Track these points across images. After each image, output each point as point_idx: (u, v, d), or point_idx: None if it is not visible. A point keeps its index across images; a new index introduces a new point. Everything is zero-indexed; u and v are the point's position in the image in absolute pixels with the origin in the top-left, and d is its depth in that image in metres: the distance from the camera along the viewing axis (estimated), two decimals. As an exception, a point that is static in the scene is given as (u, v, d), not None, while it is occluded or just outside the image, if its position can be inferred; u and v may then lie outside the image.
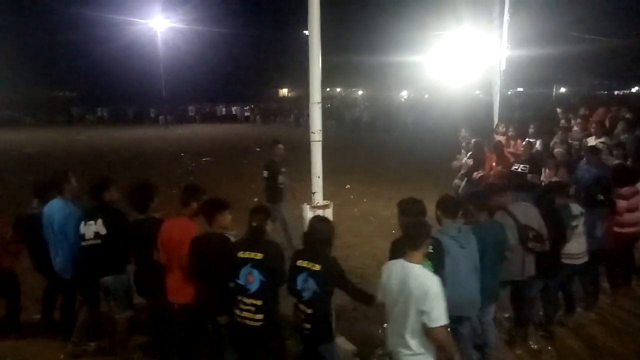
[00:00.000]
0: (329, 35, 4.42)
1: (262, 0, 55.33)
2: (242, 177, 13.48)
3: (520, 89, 39.75)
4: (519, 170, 7.34)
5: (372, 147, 20.38)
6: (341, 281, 3.59)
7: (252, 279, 3.54)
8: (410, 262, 3.06)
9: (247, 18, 51.06)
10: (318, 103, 4.28)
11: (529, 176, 7.15)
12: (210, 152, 19.26)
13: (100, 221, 4.23)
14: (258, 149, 20.35)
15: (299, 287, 3.49)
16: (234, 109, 43.53)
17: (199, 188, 4.24)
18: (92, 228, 4.23)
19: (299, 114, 35.77)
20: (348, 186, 11.75)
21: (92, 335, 4.77)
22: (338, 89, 54.81)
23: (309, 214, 4.24)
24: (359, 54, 38.26)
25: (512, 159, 7.96)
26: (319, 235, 3.57)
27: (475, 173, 7.87)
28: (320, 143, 4.34)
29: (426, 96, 35.44)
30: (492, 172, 7.86)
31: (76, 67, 48.68)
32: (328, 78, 4.40)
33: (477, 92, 29.09)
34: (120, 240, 4.28)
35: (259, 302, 3.54)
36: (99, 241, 4.23)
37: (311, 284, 3.43)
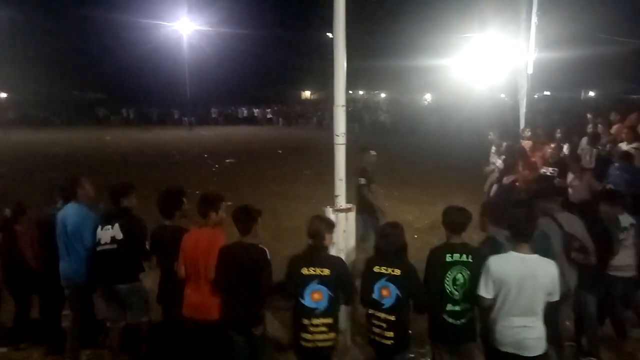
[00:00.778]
0: (352, 38, 4.40)
1: (286, 2, 55.65)
2: (264, 178, 13.57)
3: (547, 93, 38.95)
4: (548, 173, 7.24)
5: (394, 150, 20.23)
6: (419, 285, 3.53)
7: (319, 296, 3.39)
8: (524, 253, 3.22)
9: (271, 20, 51.49)
10: (342, 106, 4.27)
11: (556, 180, 6.99)
12: (233, 153, 19.43)
13: (117, 225, 4.14)
14: (280, 151, 20.48)
15: (376, 295, 3.44)
16: (255, 111, 43.79)
17: (217, 197, 4.02)
18: (108, 233, 4.14)
19: (321, 116, 35.83)
20: (370, 189, 11.68)
21: (86, 343, 4.61)
22: (361, 92, 54.68)
23: (331, 217, 4.23)
24: (382, 56, 38.13)
25: (540, 164, 7.84)
26: (394, 241, 3.53)
27: (505, 178, 7.73)
28: (343, 146, 4.32)
29: (455, 100, 35.02)
30: (518, 177, 7.73)
31: (104, 69, 49.93)
32: (351, 80, 4.37)
33: (503, 95, 28.64)
34: (136, 247, 4.17)
35: (329, 320, 3.44)
36: (114, 246, 4.13)
37: (393, 290, 3.39)
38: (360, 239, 6.14)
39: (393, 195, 11.16)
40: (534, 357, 3.25)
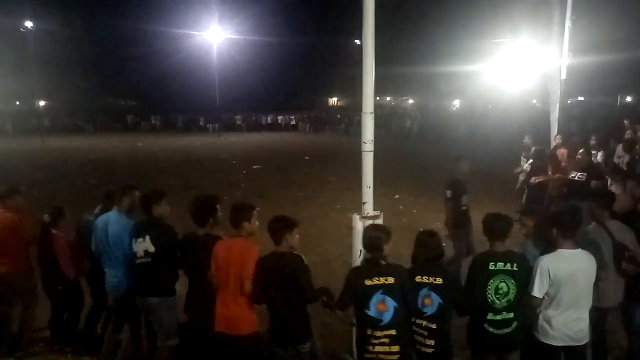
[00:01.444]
0: (380, 43, 4.38)
1: (315, 9, 56.10)
2: (290, 184, 13.65)
3: (581, 98, 37.87)
4: (576, 178, 7.14)
5: (421, 157, 20.05)
6: (462, 293, 3.52)
7: (383, 307, 3.33)
8: (568, 248, 3.39)
9: (299, 28, 52.00)
10: (370, 113, 4.25)
11: (593, 183, 6.82)
12: (260, 159, 19.64)
13: (148, 238, 4.03)
14: (307, 158, 20.58)
15: (419, 305, 3.43)
16: (279, 117, 44.03)
17: (249, 206, 3.86)
18: (141, 245, 4.04)
19: (348, 122, 35.85)
20: (397, 196, 11.61)
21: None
22: (388, 98, 54.48)
23: (358, 224, 4.21)
24: (410, 62, 37.88)
25: (570, 169, 7.75)
26: (433, 250, 3.52)
27: (533, 178, 7.83)
28: (371, 153, 4.30)
29: (490, 106, 34.46)
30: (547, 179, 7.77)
31: (136, 78, 51.55)
32: (378, 86, 4.35)
33: (534, 101, 28.02)
34: (169, 259, 4.08)
35: (393, 332, 3.35)
36: (148, 259, 4.03)
37: (435, 298, 3.38)
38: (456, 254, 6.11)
39: (421, 203, 11.05)
40: (583, 345, 3.51)
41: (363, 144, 4.29)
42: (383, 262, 3.43)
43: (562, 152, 8.59)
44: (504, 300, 3.43)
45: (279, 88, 53.24)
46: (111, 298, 4.50)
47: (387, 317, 3.31)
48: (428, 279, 3.41)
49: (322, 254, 7.11)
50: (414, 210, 10.34)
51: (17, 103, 50.41)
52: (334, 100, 62.36)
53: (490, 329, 3.46)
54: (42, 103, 43.65)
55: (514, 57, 15.13)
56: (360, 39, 4.27)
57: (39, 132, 29.67)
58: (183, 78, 46.68)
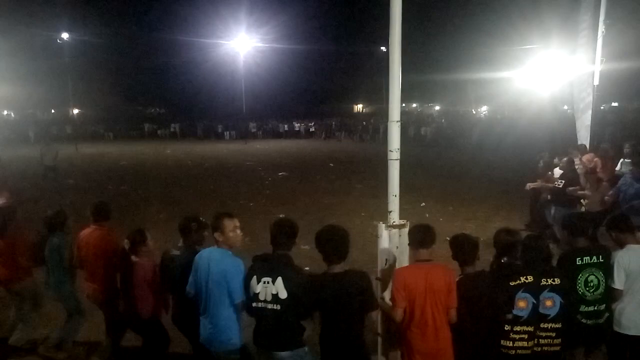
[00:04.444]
0: (407, 50, 4.36)
1: (341, 17, 56.41)
2: (315, 192, 13.67)
3: (615, 104, 36.78)
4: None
5: (442, 164, 19.81)
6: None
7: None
8: (636, 243, 3.72)
9: (325, 34, 52.43)
10: (397, 121, 4.22)
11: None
12: (286, 167, 19.76)
13: (280, 280, 3.27)
14: (332, 165, 20.59)
15: (540, 309, 3.50)
16: (296, 125, 44.19)
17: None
18: (269, 288, 3.29)
19: (373, 129, 35.77)
20: (423, 204, 11.47)
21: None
22: (414, 104, 54.16)
23: (384, 233, 4.18)
24: (437, 69, 37.65)
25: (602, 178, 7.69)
26: (543, 252, 3.63)
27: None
28: (397, 162, 4.26)
29: (512, 112, 33.92)
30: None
31: (163, 86, 52.93)
32: (405, 93, 4.34)
33: (566, 107, 27.37)
34: (301, 307, 3.34)
35: (530, 329, 3.50)
36: (277, 307, 3.28)
37: (557, 299, 3.51)
38: None
39: (448, 211, 10.89)
40: None
41: (389, 152, 4.25)
42: (518, 263, 3.56)
43: (587, 157, 8.52)
44: (596, 293, 3.68)
45: (305, 95, 53.65)
46: (213, 352, 3.68)
47: (525, 312, 3.44)
48: (547, 281, 3.52)
49: (348, 262, 7.09)
50: (441, 219, 10.20)
51: (53, 111, 52.32)
52: (359, 107, 62.37)
53: (584, 321, 3.69)
54: (75, 111, 45.27)
55: (543, 63, 14.83)
56: (387, 46, 4.26)
57: (60, 140, 30.48)
58: (210, 86, 47.61)
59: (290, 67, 47.27)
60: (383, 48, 36.88)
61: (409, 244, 3.48)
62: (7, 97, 42.38)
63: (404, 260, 4.38)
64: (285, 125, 43.57)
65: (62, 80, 36.77)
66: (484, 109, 45.27)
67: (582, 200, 7.60)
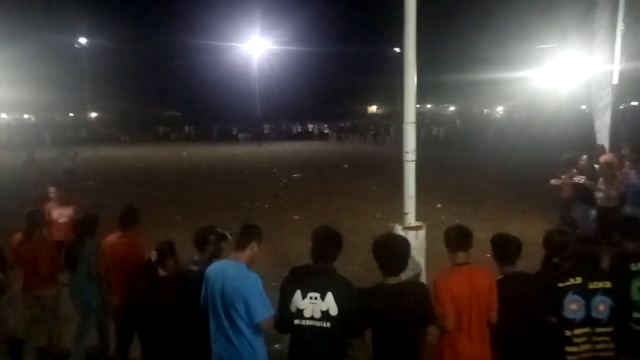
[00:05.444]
0: (421, 50, 4.34)
1: (354, 18, 56.37)
2: (330, 193, 13.67)
3: (635, 103, 36.04)
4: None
5: (456, 164, 19.64)
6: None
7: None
8: None
9: (338, 36, 52.40)
10: (412, 122, 4.23)
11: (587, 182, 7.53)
12: (300, 168, 19.80)
13: (330, 295, 2.94)
14: (346, 166, 20.57)
15: (593, 313, 3.41)
16: (310, 126, 44.19)
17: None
18: (317, 305, 2.95)
19: (384, 130, 35.69)
20: (439, 205, 11.39)
21: None
22: (429, 105, 53.86)
23: (400, 234, 4.18)
24: (452, 69, 37.39)
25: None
26: (591, 253, 3.52)
27: (588, 182, 8.05)
28: (413, 163, 4.27)
29: (529, 112, 33.54)
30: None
31: (178, 89, 53.61)
32: (419, 94, 4.32)
33: (584, 106, 26.95)
34: (352, 324, 3.03)
35: (587, 331, 3.40)
36: (327, 324, 2.94)
37: (608, 302, 3.41)
38: None
39: (465, 213, 10.80)
40: None
41: (405, 153, 4.26)
42: (567, 264, 3.47)
43: (605, 157, 8.47)
44: None
45: (319, 97, 53.72)
46: None
47: (579, 315, 3.35)
48: (597, 284, 3.41)
49: (363, 264, 7.05)
50: (457, 220, 10.11)
51: (71, 115, 53.26)
52: (373, 108, 62.23)
53: (636, 327, 3.50)
54: (93, 114, 46.14)
55: (560, 62, 14.63)
56: (400, 47, 4.27)
57: (76, 143, 30.94)
58: (224, 89, 48.01)
59: (303, 68, 47.44)
60: (397, 49, 36.96)
61: (446, 247, 3.32)
62: (27, 101, 43.23)
63: (421, 262, 4.37)
64: (299, 127, 43.63)
65: (80, 84, 37.53)
66: (499, 109, 44.84)
67: (595, 194, 7.58)
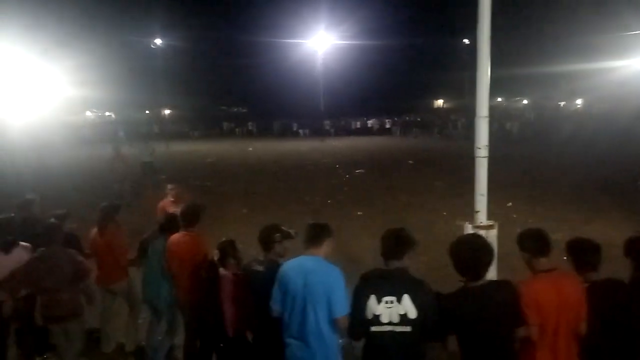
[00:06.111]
0: (494, 42, 4.14)
1: (421, 10, 55.12)
2: (394, 189, 13.49)
3: None
4: None
5: (528, 161, 18.61)
6: None
7: None
8: None
9: (405, 29, 51.60)
10: (485, 117, 4.06)
11: None
12: (363, 164, 19.71)
13: (407, 298, 2.80)
14: (410, 162, 20.21)
15: None
16: (369, 122, 43.59)
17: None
18: (394, 308, 2.80)
19: (452, 125, 34.70)
20: (510, 204, 10.87)
21: None
22: (499, 99, 51.54)
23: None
24: (526, 61, 35.48)
25: None
26: None
27: None
28: (486, 159, 4.10)
29: (611, 106, 31.26)
30: None
31: (245, 86, 55.27)
32: (490, 88, 4.13)
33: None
34: (432, 324, 2.88)
35: None
36: (407, 328, 2.81)
37: None
38: None
39: (537, 212, 10.23)
40: None
41: (477, 149, 4.11)
42: None
43: None
44: None
45: (383, 91, 53.15)
46: None
47: None
48: None
49: (428, 262, 6.89)
50: (530, 220, 9.60)
51: (147, 112, 56.54)
52: (439, 103, 60.61)
53: None
54: (167, 111, 48.72)
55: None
56: (469, 38, 4.12)
57: (147, 139, 32.61)
58: (289, 84, 48.86)
59: (367, 63, 47.12)
60: (466, 40, 35.61)
61: (522, 251, 3.02)
62: (109, 100, 46.50)
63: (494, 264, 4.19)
64: (365, 122, 43.44)
65: (156, 83, 39.73)
66: (578, 102, 42.00)
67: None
